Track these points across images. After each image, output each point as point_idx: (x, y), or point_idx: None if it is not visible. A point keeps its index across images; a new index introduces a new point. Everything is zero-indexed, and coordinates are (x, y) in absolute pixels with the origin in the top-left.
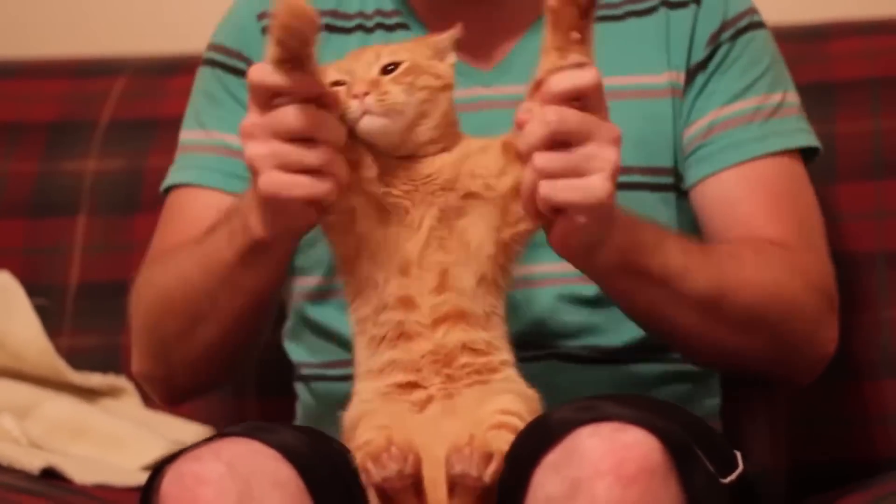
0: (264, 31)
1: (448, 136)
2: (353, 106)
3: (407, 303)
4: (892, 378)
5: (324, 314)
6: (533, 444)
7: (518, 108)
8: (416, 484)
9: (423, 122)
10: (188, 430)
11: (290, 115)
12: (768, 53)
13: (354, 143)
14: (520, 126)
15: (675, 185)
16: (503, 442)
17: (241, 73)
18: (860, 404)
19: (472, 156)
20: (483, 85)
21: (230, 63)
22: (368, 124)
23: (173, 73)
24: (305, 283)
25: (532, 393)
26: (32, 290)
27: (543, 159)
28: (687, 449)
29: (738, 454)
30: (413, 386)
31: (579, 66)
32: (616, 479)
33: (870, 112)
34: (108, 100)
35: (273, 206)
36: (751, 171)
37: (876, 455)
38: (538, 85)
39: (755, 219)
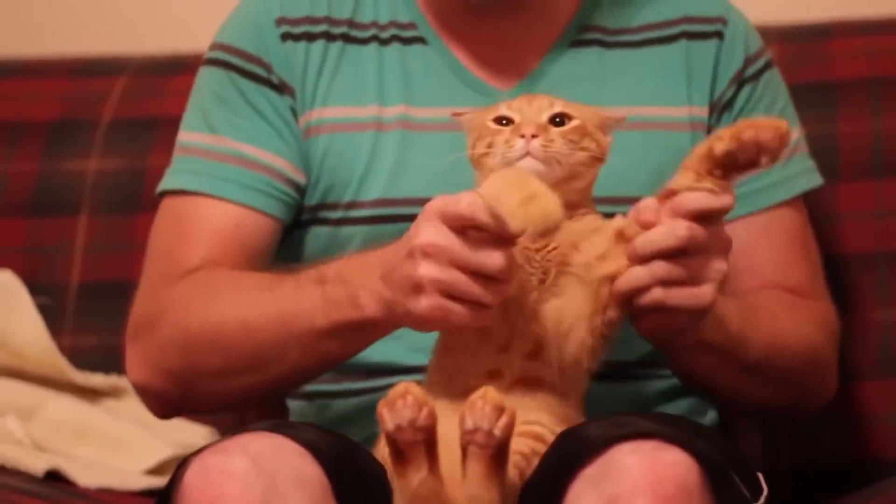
0: (283, 37)
1: (583, 205)
2: (518, 145)
3: (494, 375)
4: (892, 378)
5: None
6: (568, 455)
7: (641, 204)
8: (428, 441)
9: (572, 184)
10: (190, 432)
11: (489, 259)
12: (783, 91)
13: None
14: (642, 224)
15: None
16: (524, 445)
17: (259, 80)
18: (861, 404)
19: (585, 234)
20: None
21: (248, 68)
22: (526, 166)
23: (175, 72)
24: None
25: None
26: (34, 290)
27: (665, 269)
28: (723, 472)
29: (761, 476)
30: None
31: (713, 192)
32: (654, 497)
33: (870, 112)
34: (110, 99)
35: (429, 327)
36: (770, 219)
37: (877, 456)
38: (670, 194)
39: (773, 266)
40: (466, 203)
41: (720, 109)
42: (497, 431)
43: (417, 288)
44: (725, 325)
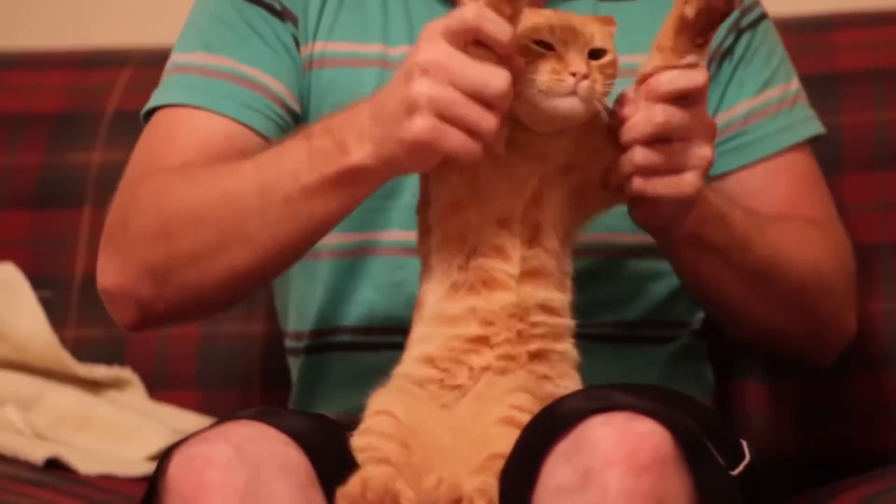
0: None
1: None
2: (568, 81)
3: (500, 252)
4: None
5: (333, 271)
6: (543, 432)
7: (619, 96)
8: None
9: (606, 108)
10: (192, 421)
11: (495, 77)
12: (779, 42)
13: None
14: (622, 118)
15: None
16: (507, 442)
17: (260, 3)
18: (866, 394)
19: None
20: None
21: None
22: (569, 106)
23: None
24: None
25: (569, 382)
26: (37, 283)
27: (643, 155)
28: (698, 440)
29: (745, 443)
30: (479, 344)
31: (690, 66)
32: (628, 468)
33: (874, 103)
34: (114, 91)
35: (417, 152)
36: (780, 163)
37: (881, 445)
38: (644, 78)
39: (789, 204)
40: (473, 13)
41: (720, 58)
42: None
43: (412, 108)
44: (728, 224)
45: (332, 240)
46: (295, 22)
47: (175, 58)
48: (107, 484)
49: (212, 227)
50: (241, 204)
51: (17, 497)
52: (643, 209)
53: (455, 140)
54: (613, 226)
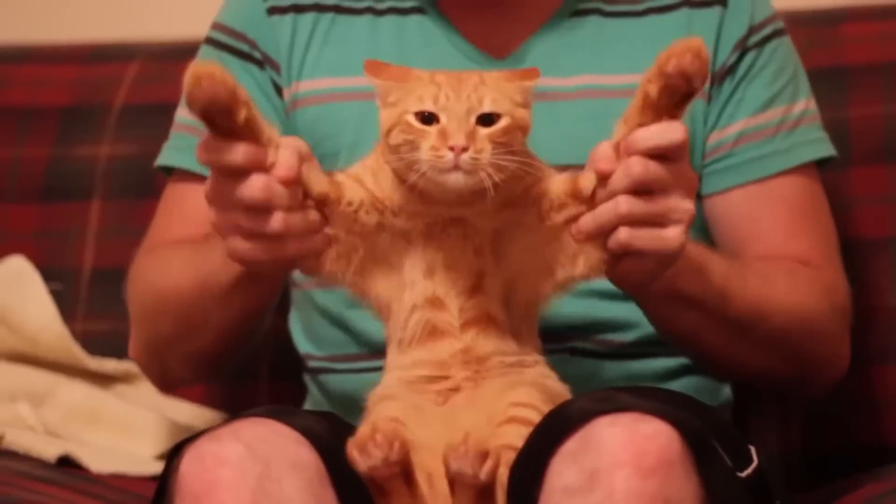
0: (270, 11)
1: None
2: (447, 157)
3: (435, 303)
4: None
5: (334, 302)
6: (550, 433)
7: (595, 153)
8: (405, 472)
9: (499, 178)
10: (201, 416)
11: (241, 190)
12: (792, 61)
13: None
14: (600, 173)
15: None
16: (516, 436)
17: (244, 56)
18: (873, 389)
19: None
20: None
21: (233, 44)
22: (453, 180)
23: (186, 58)
24: None
25: (559, 386)
26: (46, 275)
27: (629, 204)
28: (705, 441)
29: (753, 448)
30: (440, 379)
31: (668, 121)
32: (635, 469)
33: (882, 96)
34: (122, 85)
35: (247, 268)
36: (774, 187)
37: (890, 441)
38: (619, 145)
39: (777, 235)
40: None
41: (721, 76)
42: (482, 476)
43: (220, 236)
44: (706, 277)
45: None
46: (276, 68)
47: (177, 113)
48: (118, 483)
49: (173, 319)
50: (187, 301)
51: (29, 494)
52: (623, 265)
53: (263, 252)
54: None
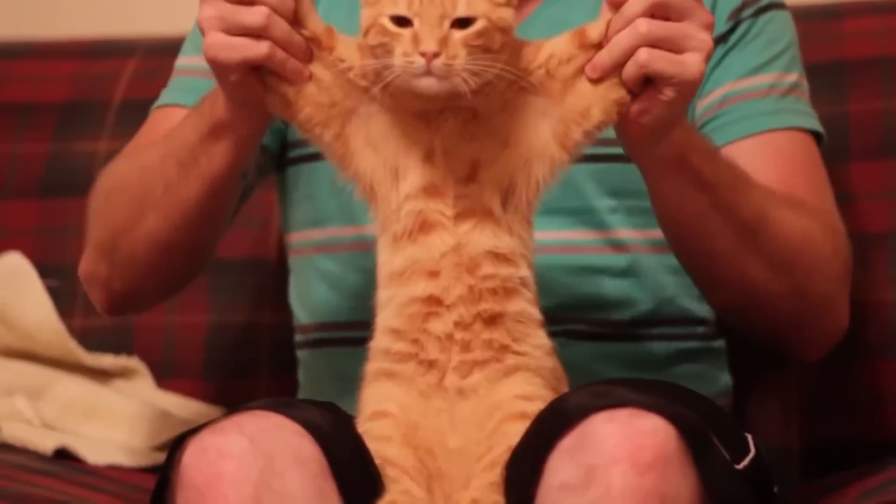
0: None
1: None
2: (417, 63)
3: (430, 191)
4: None
5: (334, 266)
6: (547, 429)
7: None
8: None
9: (475, 81)
10: (199, 410)
11: None
12: (788, 34)
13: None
14: (611, 1)
15: None
16: (519, 435)
17: None
18: (873, 384)
19: (531, 51)
20: None
21: None
22: (426, 86)
23: None
24: (316, 235)
25: (543, 356)
26: (44, 272)
27: (648, 24)
28: (702, 436)
29: (750, 437)
30: (434, 304)
31: None
32: (632, 465)
33: (881, 91)
34: (120, 80)
35: (218, 72)
36: (765, 142)
37: (889, 435)
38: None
39: (773, 184)
40: None
41: (714, 44)
42: None
43: (203, 35)
44: (718, 162)
45: (330, 234)
46: None
47: (177, 61)
48: (114, 474)
49: (130, 197)
50: (149, 174)
51: (26, 486)
52: (641, 102)
53: (237, 46)
54: (618, 221)
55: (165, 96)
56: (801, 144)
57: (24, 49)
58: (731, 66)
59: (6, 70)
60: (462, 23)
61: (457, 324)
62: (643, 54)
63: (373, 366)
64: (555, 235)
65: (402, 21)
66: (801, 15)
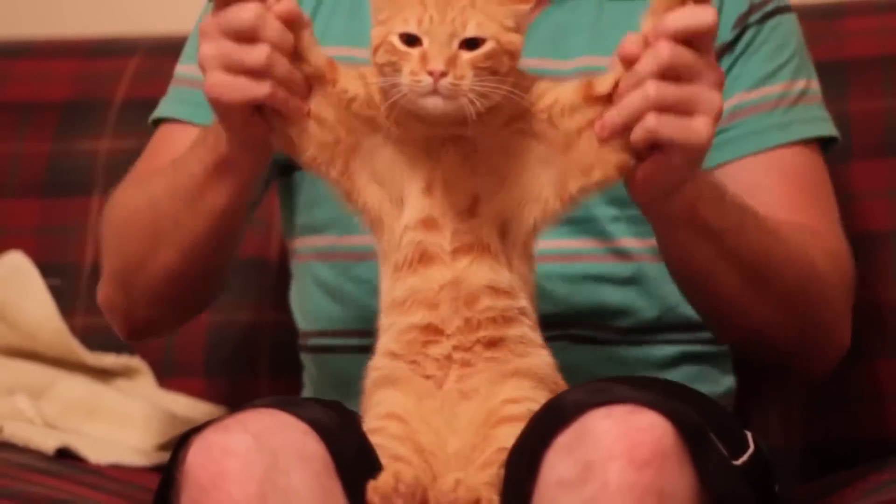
0: None
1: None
2: (425, 81)
3: (429, 224)
4: None
5: (330, 274)
6: (544, 426)
7: (621, 42)
8: None
9: (482, 103)
10: (200, 409)
11: (231, 12)
12: (794, 39)
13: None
14: (622, 58)
15: None
16: (510, 437)
17: None
18: (874, 383)
19: (538, 91)
20: None
21: None
22: (432, 105)
23: None
24: (315, 242)
25: (543, 365)
26: (46, 271)
27: (657, 88)
28: (700, 432)
29: (749, 434)
30: (432, 333)
31: (698, 3)
32: (629, 462)
33: (883, 90)
34: (122, 79)
35: (220, 112)
36: (772, 160)
37: (890, 434)
38: (652, 16)
39: (777, 208)
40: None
41: (720, 53)
42: None
43: (204, 74)
44: (726, 209)
45: (328, 242)
46: None
47: (176, 69)
48: (116, 473)
49: (142, 232)
50: (158, 208)
51: (27, 485)
52: (648, 165)
53: (240, 86)
54: (620, 230)
55: (166, 108)
56: (807, 160)
57: (25, 48)
58: (740, 77)
59: (8, 69)
60: (471, 44)
61: (455, 347)
62: (651, 120)
63: (373, 374)
64: (557, 244)
65: (411, 41)
66: (802, 14)
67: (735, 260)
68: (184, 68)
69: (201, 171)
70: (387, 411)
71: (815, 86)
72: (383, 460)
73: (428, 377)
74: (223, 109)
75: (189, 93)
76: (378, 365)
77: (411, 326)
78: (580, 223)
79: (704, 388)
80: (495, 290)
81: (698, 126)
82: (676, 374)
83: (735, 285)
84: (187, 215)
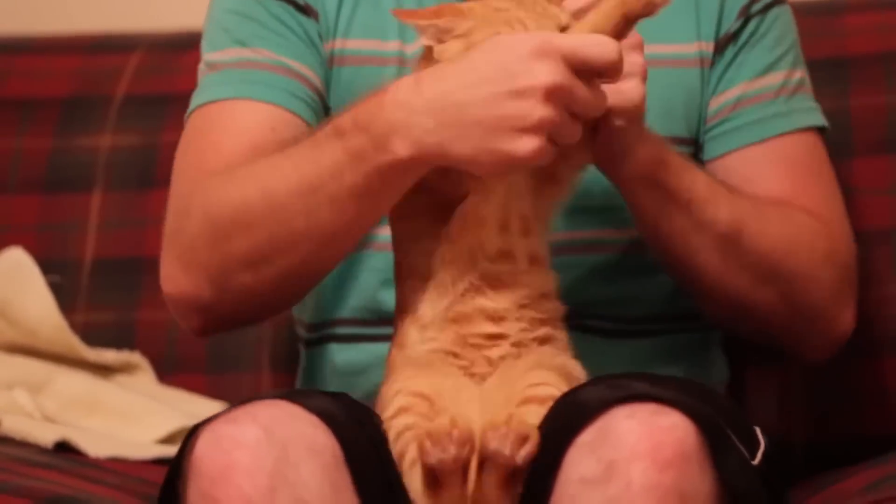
0: None
1: None
2: None
3: (507, 256)
4: None
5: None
6: (565, 421)
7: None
8: (465, 468)
9: None
10: (202, 405)
11: (603, 103)
12: (792, 30)
13: None
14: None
15: (694, 154)
16: (533, 415)
17: (289, 2)
18: (876, 378)
19: None
20: None
21: None
22: None
23: (188, 48)
24: None
25: (570, 363)
26: (47, 267)
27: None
28: (721, 433)
29: (758, 430)
30: (496, 339)
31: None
32: (652, 462)
33: (884, 87)
34: (123, 76)
35: (504, 165)
36: (776, 148)
37: (890, 430)
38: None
39: (781, 194)
40: (596, 47)
41: (725, 43)
42: (519, 460)
43: (528, 129)
44: (693, 177)
45: None
46: (317, 17)
47: (207, 57)
48: (116, 466)
49: (261, 231)
50: (286, 206)
51: (26, 479)
52: (599, 137)
53: (548, 155)
54: (617, 220)
55: (222, 90)
56: (810, 146)
57: (26, 44)
58: (744, 65)
59: (8, 65)
60: None
61: (514, 344)
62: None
63: (399, 357)
64: (571, 235)
65: None
66: (803, 11)
67: (706, 230)
68: (218, 55)
69: (361, 180)
70: (411, 389)
71: (807, 77)
72: (404, 441)
73: (473, 375)
74: (514, 166)
75: (250, 74)
76: (410, 351)
77: (473, 334)
78: (602, 212)
79: (704, 376)
80: (548, 294)
81: (628, 88)
82: (682, 365)
83: (710, 256)
84: (331, 217)
